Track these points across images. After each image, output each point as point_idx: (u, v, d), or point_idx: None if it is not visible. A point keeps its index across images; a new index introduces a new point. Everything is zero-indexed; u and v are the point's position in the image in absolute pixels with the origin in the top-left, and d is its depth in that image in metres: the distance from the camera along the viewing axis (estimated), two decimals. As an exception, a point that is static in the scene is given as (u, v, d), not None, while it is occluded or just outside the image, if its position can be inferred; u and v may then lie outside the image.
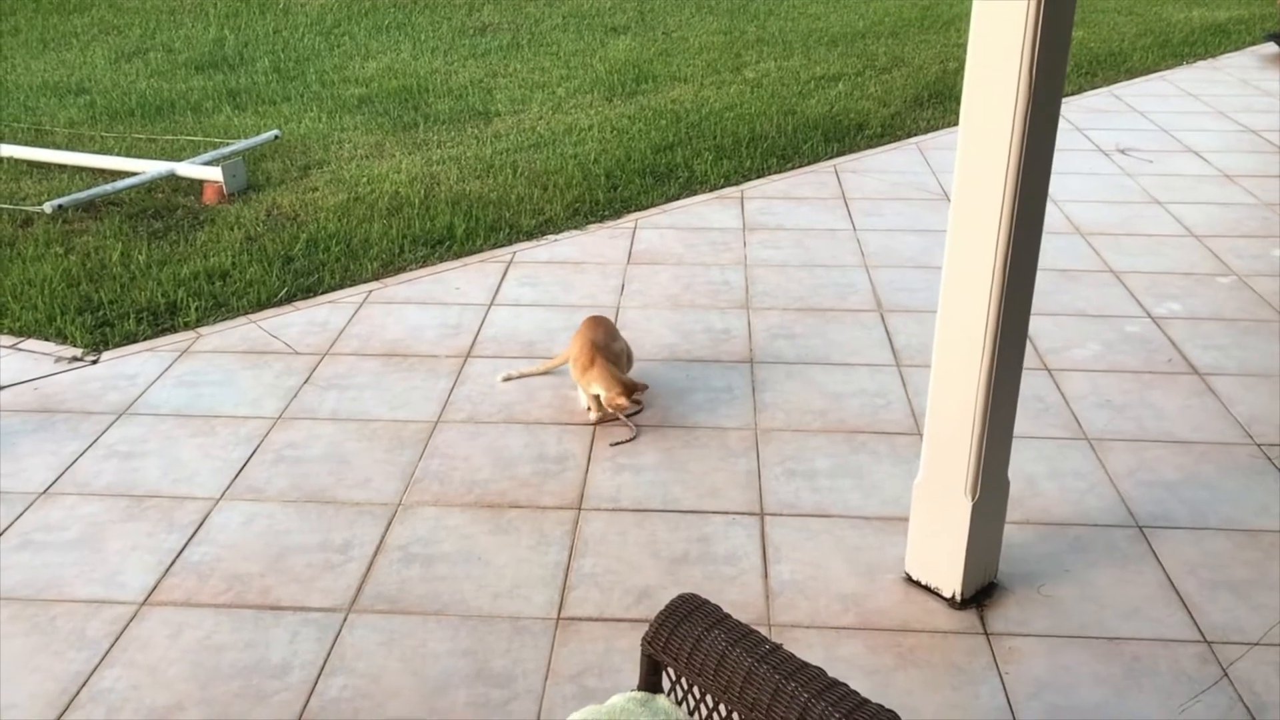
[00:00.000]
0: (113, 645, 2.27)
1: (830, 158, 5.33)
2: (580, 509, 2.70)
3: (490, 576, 2.51)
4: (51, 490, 2.76)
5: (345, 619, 2.36)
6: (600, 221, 4.58)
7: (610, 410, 3.01)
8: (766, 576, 2.50)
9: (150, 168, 4.86)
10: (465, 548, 2.59)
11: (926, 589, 2.45)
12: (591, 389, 3.03)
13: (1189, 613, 2.33)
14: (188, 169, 4.84)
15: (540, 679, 2.14)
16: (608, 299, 3.91)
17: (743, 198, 4.81)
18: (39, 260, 4.02)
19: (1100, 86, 6.48)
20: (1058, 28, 1.94)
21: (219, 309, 3.79)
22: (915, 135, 5.61)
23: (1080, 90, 6.40)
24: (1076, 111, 5.92)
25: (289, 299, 3.90)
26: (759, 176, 5.08)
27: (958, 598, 2.41)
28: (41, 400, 3.17)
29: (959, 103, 2.56)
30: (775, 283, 3.98)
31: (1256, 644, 2.21)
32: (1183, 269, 3.97)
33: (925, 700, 2.08)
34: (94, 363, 3.40)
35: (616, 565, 2.52)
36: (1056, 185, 4.82)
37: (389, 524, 2.69)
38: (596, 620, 2.34)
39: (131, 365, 3.44)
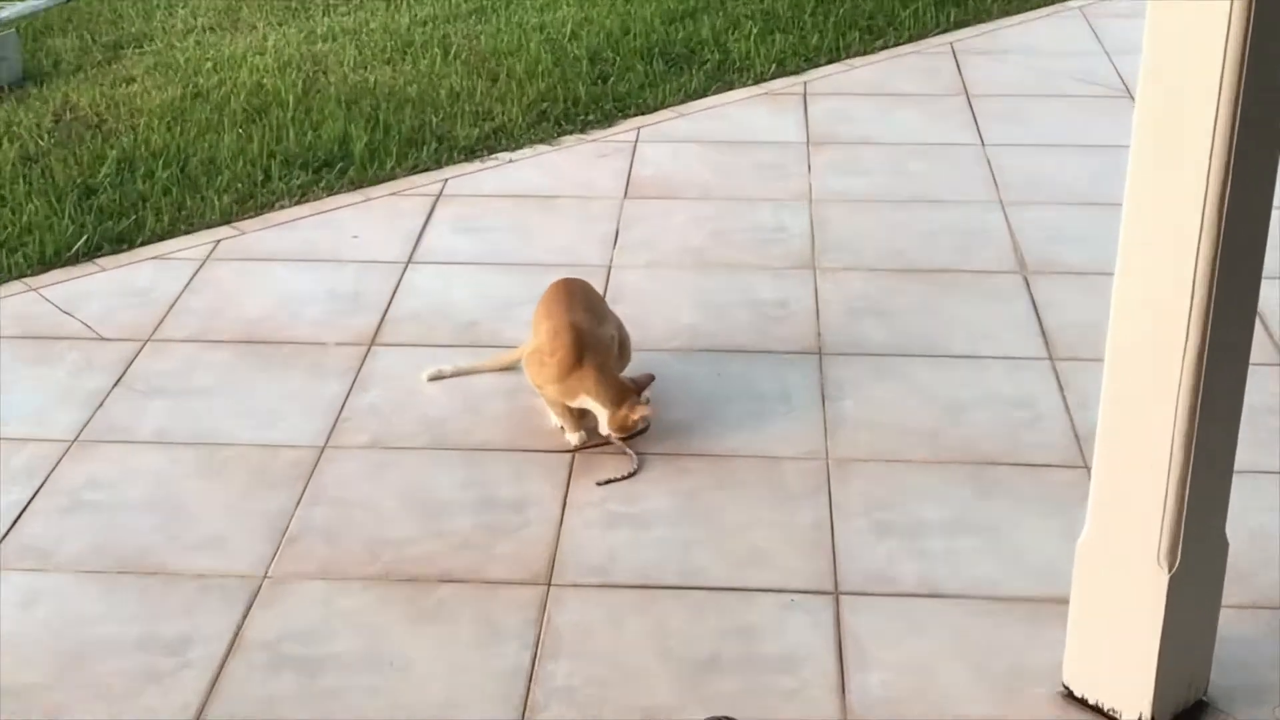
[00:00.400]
0: None
1: (944, 30, 5.36)
2: (550, 585, 2.75)
3: (408, 691, 2.53)
4: None
5: (181, 758, 2.39)
6: (581, 131, 4.64)
7: (614, 435, 3.09)
8: (844, 691, 2.53)
9: None
10: (369, 646, 2.62)
11: (1096, 710, 2.48)
12: (578, 401, 3.10)
13: None
14: (-72, 48, 4.84)
15: None
16: (591, 254, 3.95)
17: (805, 94, 4.86)
18: None
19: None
20: None
21: (-21, 269, 3.82)
22: (1079, -5, 5.62)
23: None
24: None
25: (90, 253, 3.94)
26: (831, 61, 5.11)
27: (1146, 725, 2.43)
28: None
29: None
30: (857, 228, 4.04)
31: None
32: None
33: None
34: None
35: (608, 673, 2.55)
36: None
37: (249, 608, 2.73)
38: (577, 760, 2.38)
39: None
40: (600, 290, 3.60)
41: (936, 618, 2.71)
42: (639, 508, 3.02)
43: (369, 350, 3.56)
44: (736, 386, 3.43)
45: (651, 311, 3.71)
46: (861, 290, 3.79)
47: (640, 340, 3.50)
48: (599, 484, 3.05)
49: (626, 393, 3.10)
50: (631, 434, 3.13)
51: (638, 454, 3.14)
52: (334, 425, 3.28)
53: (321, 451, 3.19)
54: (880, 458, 3.15)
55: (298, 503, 3.01)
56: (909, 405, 3.35)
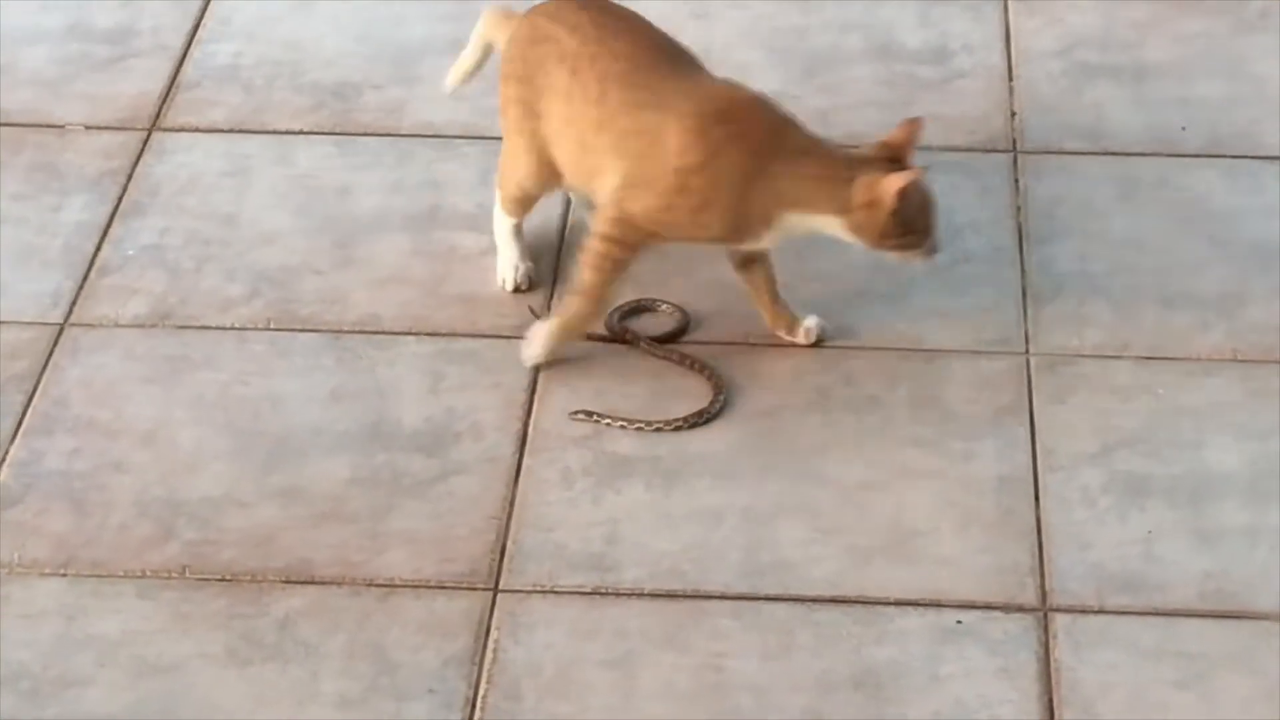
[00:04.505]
0: None
1: None
2: (496, 590, 2.06)
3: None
4: None
5: None
6: None
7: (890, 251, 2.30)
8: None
9: None
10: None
11: None
12: (761, 238, 2.31)
13: None
14: None
15: None
16: None
17: None
18: None
19: None
20: None
21: None
22: None
23: None
24: None
25: None
26: None
27: None
28: None
29: None
30: None
31: None
32: None
33: None
34: None
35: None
36: None
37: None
38: None
39: None
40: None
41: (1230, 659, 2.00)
42: (680, 444, 2.22)
43: (146, 140, 2.70)
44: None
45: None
46: (1094, 28, 2.92)
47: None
48: (588, 419, 2.26)
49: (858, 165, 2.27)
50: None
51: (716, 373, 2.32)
52: (80, 286, 2.45)
53: (59, 333, 2.38)
54: (1131, 349, 2.34)
55: (18, 427, 2.24)
56: (1187, 245, 2.49)
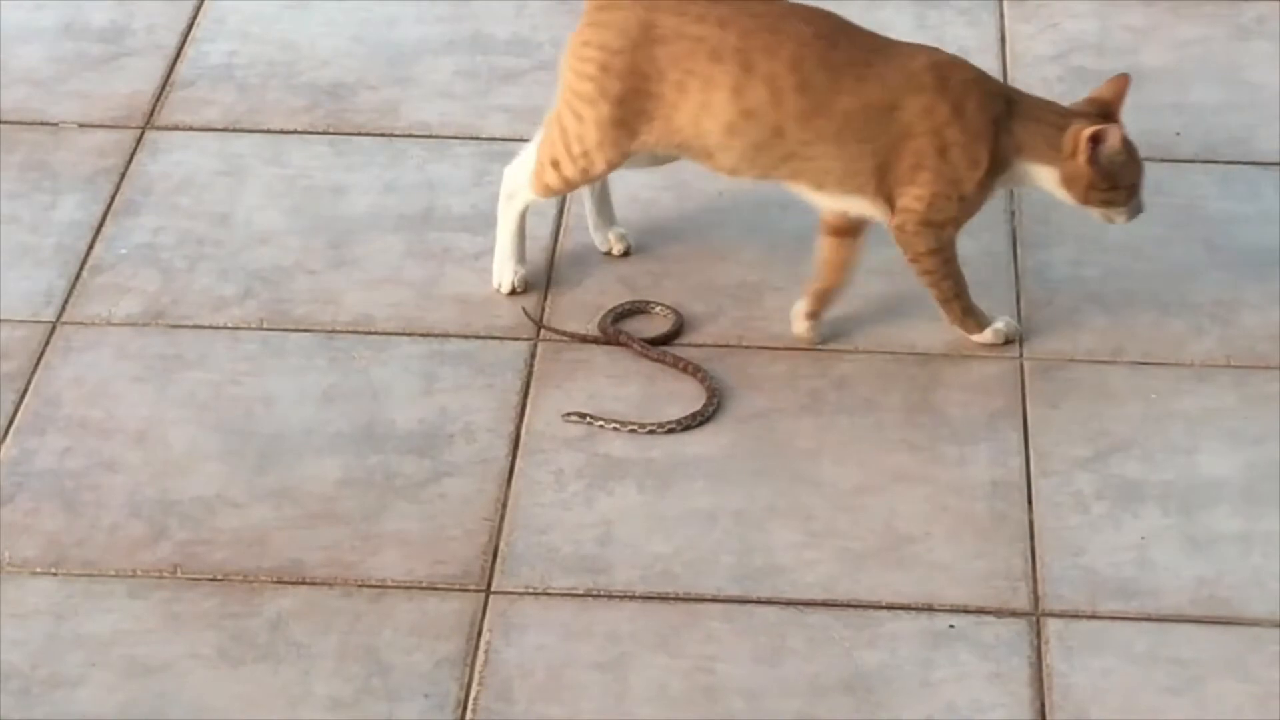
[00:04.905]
0: None
1: None
2: (489, 591, 2.00)
3: None
4: None
5: None
6: None
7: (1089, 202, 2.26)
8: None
9: None
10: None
11: None
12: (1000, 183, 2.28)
13: None
14: None
15: None
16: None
17: None
18: None
19: None
20: None
21: None
22: None
23: None
24: None
25: None
26: None
27: None
28: None
29: None
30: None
31: None
32: None
33: None
34: None
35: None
36: None
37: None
38: None
39: None
40: None
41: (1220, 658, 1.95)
42: (670, 451, 2.18)
43: (140, 139, 2.68)
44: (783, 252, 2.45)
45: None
46: (1090, 33, 2.91)
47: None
48: (581, 421, 2.22)
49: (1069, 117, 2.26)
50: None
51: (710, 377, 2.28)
52: (72, 285, 2.42)
53: (51, 330, 2.35)
54: (1126, 355, 2.32)
55: (8, 428, 2.20)
56: (1177, 254, 2.47)
